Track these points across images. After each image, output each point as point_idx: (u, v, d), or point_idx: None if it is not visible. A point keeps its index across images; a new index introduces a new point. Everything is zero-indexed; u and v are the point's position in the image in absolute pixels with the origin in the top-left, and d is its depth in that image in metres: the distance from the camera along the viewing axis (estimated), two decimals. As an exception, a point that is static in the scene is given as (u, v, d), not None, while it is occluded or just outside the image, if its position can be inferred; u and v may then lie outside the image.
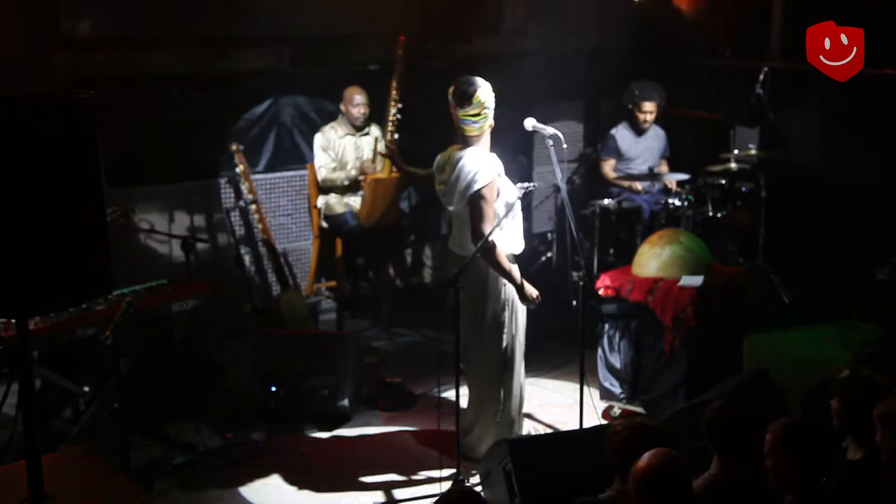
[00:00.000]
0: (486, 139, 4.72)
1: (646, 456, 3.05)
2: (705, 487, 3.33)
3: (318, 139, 6.71)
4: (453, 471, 4.57)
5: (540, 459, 4.20)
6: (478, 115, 4.63)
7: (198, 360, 5.51)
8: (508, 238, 4.69)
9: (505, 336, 4.79)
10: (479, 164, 4.63)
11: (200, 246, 6.21)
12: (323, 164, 6.68)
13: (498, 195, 4.64)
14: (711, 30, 8.23)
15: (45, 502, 2.57)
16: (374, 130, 6.80)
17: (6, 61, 5.39)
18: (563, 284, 6.86)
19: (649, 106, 7.13)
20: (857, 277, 6.86)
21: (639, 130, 7.25)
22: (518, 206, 4.66)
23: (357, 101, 6.64)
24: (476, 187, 4.58)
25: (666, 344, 5.09)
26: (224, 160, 6.74)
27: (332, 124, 6.75)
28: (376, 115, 6.73)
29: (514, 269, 4.67)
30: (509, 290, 4.75)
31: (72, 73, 5.95)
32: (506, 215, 4.60)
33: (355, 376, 5.59)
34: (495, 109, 4.70)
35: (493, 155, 4.72)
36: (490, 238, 4.53)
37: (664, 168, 7.34)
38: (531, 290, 4.71)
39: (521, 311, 4.83)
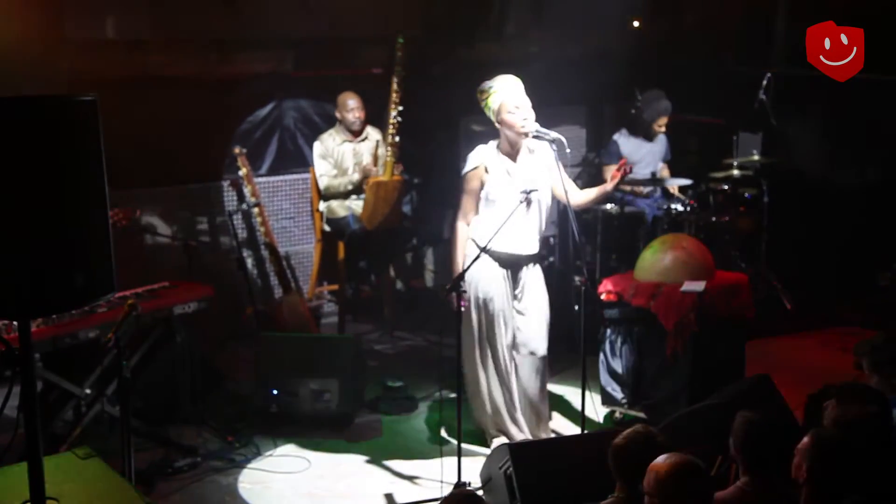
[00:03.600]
0: (506, 135, 4.80)
1: (668, 457, 3.04)
2: (738, 498, 3.31)
3: (317, 147, 6.71)
4: (454, 475, 4.57)
5: (541, 464, 4.19)
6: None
7: (199, 362, 5.51)
8: (505, 237, 4.70)
9: (472, 334, 4.88)
10: (470, 154, 4.84)
11: (203, 248, 6.22)
12: (324, 171, 6.67)
13: (482, 187, 4.79)
14: (715, 35, 8.23)
15: (47, 504, 2.58)
16: (374, 134, 6.80)
17: (10, 63, 5.39)
18: (565, 289, 6.86)
19: (664, 120, 7.15)
20: (859, 283, 6.86)
21: (648, 137, 7.23)
22: (522, 208, 4.68)
23: (351, 106, 6.63)
24: (460, 175, 4.85)
25: (668, 349, 5.08)
26: (227, 163, 6.74)
27: (330, 132, 6.76)
28: (378, 118, 6.73)
29: (458, 265, 4.79)
30: (480, 290, 4.82)
31: (75, 75, 5.95)
32: (507, 219, 4.61)
33: (357, 380, 5.59)
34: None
35: (489, 147, 4.82)
36: (457, 225, 4.86)
37: (665, 173, 7.34)
38: (452, 294, 4.62)
39: (500, 314, 4.86)
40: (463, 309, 4.67)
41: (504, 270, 4.87)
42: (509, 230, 4.72)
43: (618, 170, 4.91)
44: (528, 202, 4.74)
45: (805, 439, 3.21)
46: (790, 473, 3.30)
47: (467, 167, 4.85)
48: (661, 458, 3.04)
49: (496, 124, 4.79)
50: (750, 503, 3.32)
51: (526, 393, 5.00)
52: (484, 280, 4.83)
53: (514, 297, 4.92)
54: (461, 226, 4.90)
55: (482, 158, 4.82)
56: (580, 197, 5.04)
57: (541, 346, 5.00)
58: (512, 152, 4.80)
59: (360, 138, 6.74)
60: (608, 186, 5.01)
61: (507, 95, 4.73)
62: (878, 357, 4.07)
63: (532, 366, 4.98)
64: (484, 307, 4.87)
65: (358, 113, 6.64)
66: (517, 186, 4.73)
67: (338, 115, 6.71)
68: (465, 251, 4.85)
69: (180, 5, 6.36)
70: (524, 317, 4.95)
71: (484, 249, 4.65)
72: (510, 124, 4.73)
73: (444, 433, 5.25)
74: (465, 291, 4.51)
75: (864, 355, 4.18)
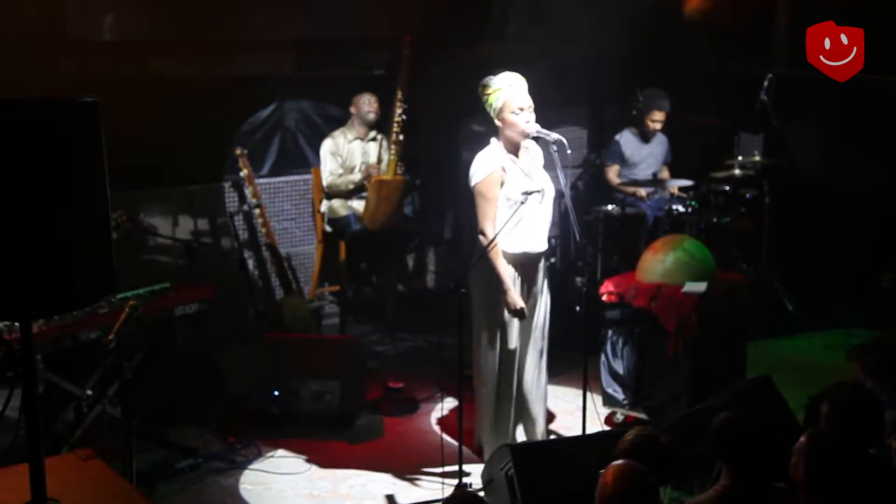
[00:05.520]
0: (507, 135, 4.73)
1: (612, 465, 3.06)
2: (716, 500, 3.31)
3: (327, 144, 6.72)
4: (455, 476, 4.57)
5: (542, 465, 4.19)
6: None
7: (200, 363, 5.51)
8: (516, 238, 4.69)
9: (492, 342, 4.80)
10: (478, 159, 4.71)
11: (204, 250, 6.22)
12: (331, 169, 6.68)
13: (502, 186, 4.68)
14: (716, 36, 8.23)
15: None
16: (379, 137, 6.81)
17: (12, 65, 5.40)
18: (566, 290, 6.86)
19: (659, 115, 7.14)
20: (860, 284, 6.85)
21: (645, 137, 7.24)
22: (525, 207, 4.67)
23: (367, 99, 6.68)
24: (472, 184, 4.69)
25: (669, 350, 5.08)
26: (228, 164, 6.75)
27: (342, 129, 6.77)
28: (381, 119, 6.73)
29: (506, 274, 4.67)
30: (496, 299, 4.76)
31: (77, 76, 5.96)
32: (509, 220, 4.60)
33: (358, 381, 5.59)
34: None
35: (495, 148, 4.73)
36: (490, 237, 4.62)
37: (665, 174, 7.34)
38: (513, 301, 4.68)
39: (515, 320, 4.79)
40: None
41: (521, 275, 4.78)
42: (527, 229, 4.71)
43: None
44: (543, 195, 4.73)
45: (801, 439, 3.21)
46: (773, 472, 3.30)
47: (483, 173, 4.65)
48: (610, 466, 3.07)
49: (496, 122, 4.76)
50: None
51: (528, 392, 4.98)
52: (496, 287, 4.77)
53: (526, 301, 4.82)
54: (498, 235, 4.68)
55: (496, 161, 4.68)
56: None
57: (542, 345, 4.98)
58: (514, 150, 4.79)
59: (369, 137, 6.76)
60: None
61: (510, 95, 4.69)
62: (871, 360, 4.07)
63: (536, 366, 4.96)
64: (503, 315, 4.78)
65: (374, 105, 6.67)
66: (533, 183, 4.71)
67: (352, 110, 6.74)
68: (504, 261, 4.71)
69: (181, 6, 6.36)
70: (532, 318, 4.90)
71: (488, 247, 4.63)
72: (512, 124, 4.71)
73: (445, 434, 5.25)
74: (465, 291, 4.51)
75: (857, 360, 4.17)
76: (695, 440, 3.93)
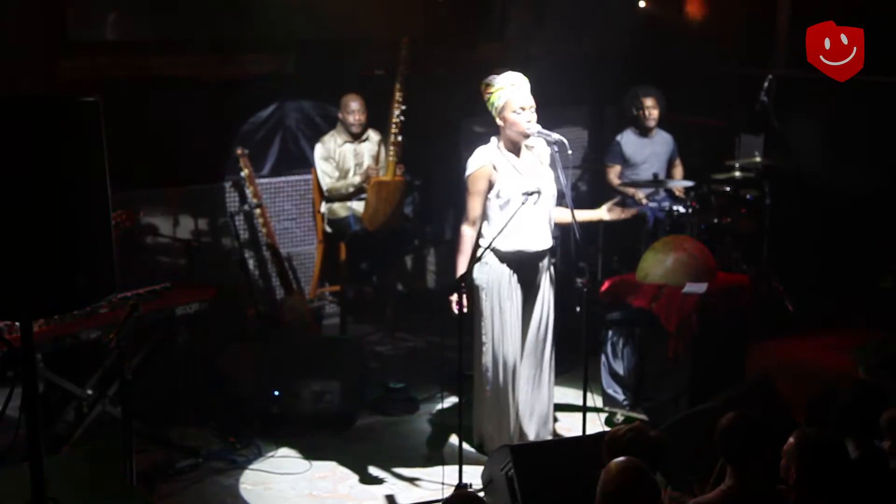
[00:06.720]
0: (507, 134, 4.77)
1: (615, 462, 3.06)
2: (720, 500, 3.31)
3: (318, 150, 6.71)
4: (456, 476, 4.57)
5: (542, 466, 4.19)
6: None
7: (201, 363, 5.51)
8: (511, 237, 4.69)
9: (486, 341, 4.82)
10: (472, 155, 4.78)
11: (204, 249, 6.22)
12: (327, 172, 6.68)
13: (491, 187, 4.72)
14: (717, 37, 8.23)
15: (48, 505, 2.58)
16: (374, 136, 6.81)
17: (13, 65, 5.40)
18: (566, 290, 6.85)
19: (650, 101, 7.12)
20: (861, 285, 6.85)
21: (644, 132, 7.23)
22: (531, 205, 4.67)
23: (352, 108, 6.64)
24: (463, 178, 4.78)
25: (669, 350, 5.08)
26: (229, 164, 6.75)
27: (332, 133, 6.77)
28: (381, 120, 6.73)
29: (462, 267, 4.75)
30: (494, 295, 4.78)
31: (78, 76, 5.96)
32: (509, 221, 4.61)
33: (358, 381, 5.59)
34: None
35: (491, 146, 4.77)
36: (462, 229, 4.80)
37: (678, 170, 7.33)
38: (453, 296, 4.68)
39: (512, 318, 4.82)
40: (464, 311, 4.70)
41: (518, 274, 4.81)
42: (523, 229, 4.72)
43: (623, 210, 5.03)
44: (539, 195, 4.73)
45: (790, 440, 3.20)
46: (777, 474, 3.30)
47: (473, 167, 4.76)
48: (611, 463, 3.07)
49: (497, 121, 4.78)
50: None
51: (532, 394, 4.98)
52: (498, 286, 4.79)
53: (525, 299, 4.87)
54: (467, 231, 4.80)
55: (488, 157, 4.75)
56: (566, 214, 4.84)
57: (547, 346, 4.98)
58: (514, 149, 4.80)
59: (360, 139, 6.75)
60: (604, 215, 5.05)
61: (513, 94, 4.71)
62: (873, 362, 4.07)
63: (537, 365, 4.96)
64: (499, 313, 4.82)
65: (358, 115, 6.65)
66: (528, 183, 4.72)
67: (340, 115, 6.73)
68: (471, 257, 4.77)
69: (182, 6, 6.36)
70: (532, 316, 4.92)
71: (489, 247, 4.63)
72: (513, 124, 4.72)
73: (444, 435, 5.25)
74: (465, 291, 4.51)
75: (859, 361, 4.18)
76: (695, 440, 3.94)
